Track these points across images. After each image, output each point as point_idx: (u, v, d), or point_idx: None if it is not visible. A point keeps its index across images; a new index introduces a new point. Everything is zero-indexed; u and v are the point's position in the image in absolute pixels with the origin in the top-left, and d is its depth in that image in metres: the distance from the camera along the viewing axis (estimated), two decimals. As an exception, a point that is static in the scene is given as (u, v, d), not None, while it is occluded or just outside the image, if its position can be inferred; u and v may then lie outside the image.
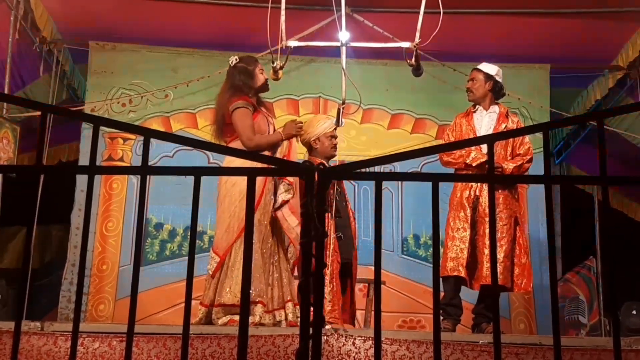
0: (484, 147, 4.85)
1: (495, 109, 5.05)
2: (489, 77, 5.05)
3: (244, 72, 4.60)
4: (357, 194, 6.84)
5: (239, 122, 4.45)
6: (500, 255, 4.67)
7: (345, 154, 6.44)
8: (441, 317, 4.52)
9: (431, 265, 2.12)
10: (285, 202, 4.50)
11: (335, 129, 5.04)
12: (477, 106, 5.08)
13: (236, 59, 4.66)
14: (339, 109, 4.98)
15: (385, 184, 1.98)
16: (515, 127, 4.94)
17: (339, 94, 5.15)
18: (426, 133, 7.11)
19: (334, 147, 5.04)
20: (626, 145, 6.95)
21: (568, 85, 7.37)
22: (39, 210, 5.44)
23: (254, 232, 4.28)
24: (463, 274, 4.71)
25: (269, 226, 4.52)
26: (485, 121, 5.01)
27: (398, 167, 6.32)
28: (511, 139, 4.94)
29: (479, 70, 5.10)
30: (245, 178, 1.94)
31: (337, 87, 5.15)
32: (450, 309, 4.75)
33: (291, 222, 4.47)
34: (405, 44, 4.96)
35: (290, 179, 4.56)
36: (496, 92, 5.07)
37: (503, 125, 4.93)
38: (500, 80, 5.07)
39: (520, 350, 3.49)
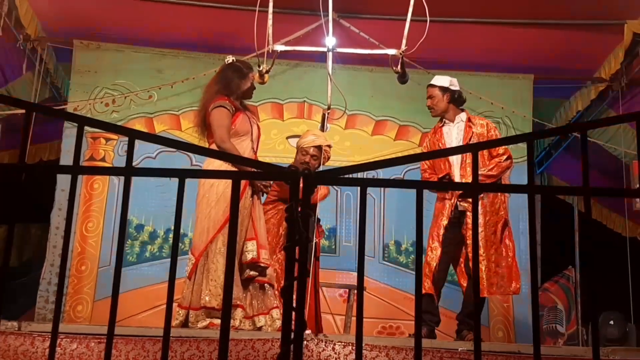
0: (454, 166, 4.86)
1: (461, 117, 5.02)
2: (444, 89, 5.00)
3: (237, 71, 4.58)
4: (340, 200, 6.85)
5: (214, 121, 4.39)
6: (491, 265, 4.74)
7: (328, 159, 6.43)
8: None
9: (412, 272, 2.13)
10: None
11: (314, 147, 5.06)
12: (444, 119, 5.05)
13: (233, 59, 4.65)
14: (324, 114, 4.99)
15: (367, 190, 1.99)
16: (484, 130, 4.91)
17: (324, 99, 5.16)
18: (410, 140, 7.12)
19: (305, 163, 5.04)
20: (607, 157, 7.02)
21: (551, 96, 7.43)
22: (18, 209, 5.38)
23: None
24: (432, 291, 4.73)
25: (246, 230, 4.50)
26: (454, 133, 4.97)
27: (381, 173, 6.33)
28: (486, 140, 4.88)
29: (433, 86, 5.05)
30: (222, 180, 1.94)
31: (322, 92, 5.16)
32: (426, 315, 4.75)
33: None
34: (392, 51, 4.99)
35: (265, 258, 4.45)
36: (456, 100, 5.03)
37: (471, 133, 4.92)
38: (456, 88, 5.03)
39: (499, 358, 3.50)
